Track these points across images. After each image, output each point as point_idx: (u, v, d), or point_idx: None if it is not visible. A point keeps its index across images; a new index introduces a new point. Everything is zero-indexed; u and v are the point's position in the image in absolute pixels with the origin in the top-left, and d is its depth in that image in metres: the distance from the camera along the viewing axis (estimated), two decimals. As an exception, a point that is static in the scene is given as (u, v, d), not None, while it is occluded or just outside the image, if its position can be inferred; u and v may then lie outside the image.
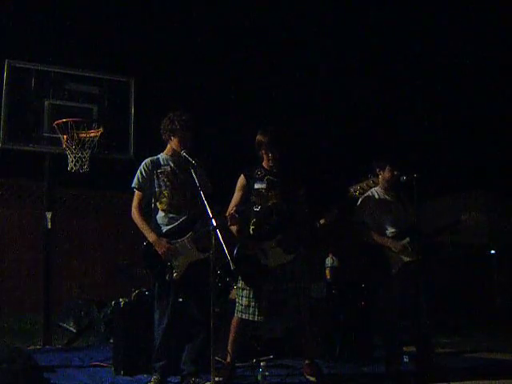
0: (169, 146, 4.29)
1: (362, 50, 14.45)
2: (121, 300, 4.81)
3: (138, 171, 4.21)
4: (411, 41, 14.28)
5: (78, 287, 9.34)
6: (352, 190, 4.38)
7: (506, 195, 12.68)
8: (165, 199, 4.15)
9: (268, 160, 4.55)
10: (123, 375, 4.58)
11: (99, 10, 12.34)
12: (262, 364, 3.94)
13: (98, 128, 6.14)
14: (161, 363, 4.16)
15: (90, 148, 6.07)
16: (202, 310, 4.05)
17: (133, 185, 4.20)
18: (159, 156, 4.29)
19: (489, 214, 12.48)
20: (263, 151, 4.55)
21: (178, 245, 4.10)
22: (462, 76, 14.11)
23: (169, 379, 4.33)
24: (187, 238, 4.11)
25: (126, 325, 4.79)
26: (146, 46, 12.99)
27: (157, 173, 4.19)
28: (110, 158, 6.49)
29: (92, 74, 6.52)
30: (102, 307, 6.93)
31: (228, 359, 4.51)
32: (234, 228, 4.44)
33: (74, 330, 7.09)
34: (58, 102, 6.21)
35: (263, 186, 4.51)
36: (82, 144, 6.02)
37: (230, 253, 3.68)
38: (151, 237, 4.07)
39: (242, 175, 4.62)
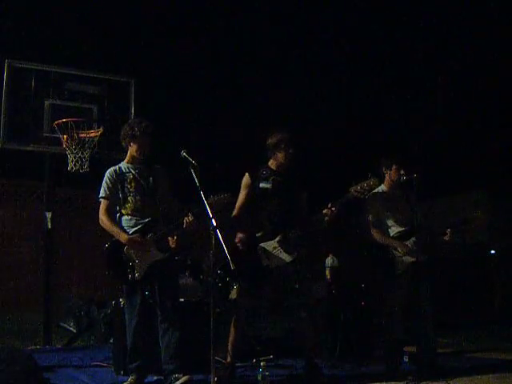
0: (129, 153, 4.42)
1: (366, 50, 14.45)
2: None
3: (104, 182, 4.34)
4: (414, 41, 14.29)
5: (78, 287, 9.34)
6: (353, 190, 4.39)
7: (506, 195, 12.68)
8: (129, 204, 4.29)
9: (285, 158, 4.57)
10: (123, 375, 4.58)
11: (99, 10, 12.33)
12: (262, 364, 3.94)
13: (98, 128, 6.15)
14: (136, 363, 4.24)
15: (89, 148, 6.07)
16: (167, 307, 4.19)
17: (101, 195, 4.33)
18: (120, 165, 4.42)
19: (489, 214, 12.47)
20: (281, 149, 4.56)
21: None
22: (463, 76, 14.11)
23: (152, 379, 4.38)
24: (148, 238, 4.21)
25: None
26: (146, 46, 12.99)
27: (120, 181, 4.32)
28: (110, 158, 6.49)
29: (92, 74, 6.52)
30: (102, 307, 6.92)
31: (228, 359, 4.52)
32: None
33: (74, 330, 7.09)
34: (58, 102, 6.21)
35: (268, 185, 4.53)
36: (82, 144, 6.03)
37: (230, 253, 3.69)
38: (123, 237, 4.18)
39: (246, 174, 4.64)
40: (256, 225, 4.53)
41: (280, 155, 4.59)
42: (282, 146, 4.56)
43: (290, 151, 4.57)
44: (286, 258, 4.43)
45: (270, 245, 4.44)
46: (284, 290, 4.49)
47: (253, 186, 4.57)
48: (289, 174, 4.62)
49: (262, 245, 4.45)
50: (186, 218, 4.14)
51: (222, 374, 4.38)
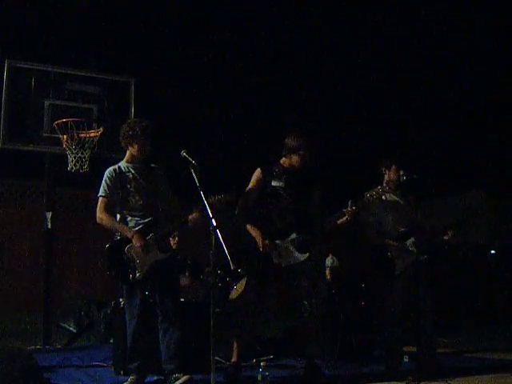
0: (128, 153, 4.40)
1: (368, 54, 14.46)
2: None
3: (104, 180, 4.31)
4: (414, 43, 14.30)
5: (78, 287, 9.34)
6: (368, 195, 4.43)
7: (506, 195, 12.68)
8: (129, 204, 4.27)
9: (299, 163, 4.57)
10: (123, 375, 4.58)
11: (99, 10, 12.33)
12: (261, 364, 3.95)
13: (98, 128, 6.15)
14: (136, 364, 4.23)
15: (89, 148, 6.07)
16: (168, 307, 4.18)
17: (100, 193, 4.29)
18: (120, 164, 4.40)
19: (489, 213, 12.47)
20: (299, 154, 4.56)
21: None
22: (463, 76, 14.11)
23: (152, 379, 4.39)
24: (148, 238, 4.19)
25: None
26: (146, 46, 12.99)
27: (120, 180, 4.30)
28: (110, 158, 6.49)
29: (92, 74, 6.53)
30: (102, 307, 6.93)
31: (234, 359, 4.51)
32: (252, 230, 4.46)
33: (74, 330, 7.09)
34: (58, 102, 6.22)
35: (281, 184, 4.53)
36: (82, 144, 6.03)
37: (230, 253, 3.69)
38: (127, 232, 4.17)
39: (259, 169, 4.62)
40: (267, 222, 4.52)
41: (295, 158, 4.58)
42: (301, 152, 4.56)
43: (307, 158, 4.58)
44: (299, 257, 4.43)
45: (283, 243, 4.44)
46: (293, 289, 4.49)
47: (264, 182, 4.57)
48: (301, 172, 4.63)
49: (275, 242, 4.44)
50: (190, 215, 4.13)
51: (228, 374, 4.39)
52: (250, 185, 4.60)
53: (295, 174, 4.59)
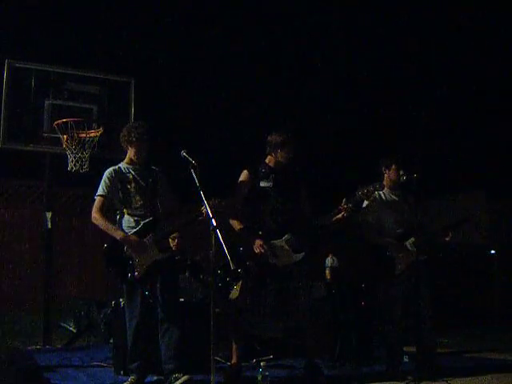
0: (127, 155, 4.47)
1: (366, 51, 14.46)
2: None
3: (103, 180, 4.35)
4: (414, 40, 14.29)
5: (78, 287, 9.35)
6: (360, 193, 4.42)
7: (506, 195, 12.67)
8: (130, 204, 4.31)
9: (285, 159, 4.56)
10: (123, 375, 4.58)
11: (99, 10, 12.33)
12: (262, 364, 3.95)
13: (98, 128, 6.15)
14: (136, 364, 4.25)
15: (90, 148, 6.07)
16: (167, 307, 4.20)
17: (98, 192, 4.31)
18: (120, 165, 4.45)
19: (489, 213, 12.47)
20: (284, 150, 4.54)
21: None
22: (462, 75, 14.11)
23: (152, 379, 4.39)
24: (148, 238, 4.22)
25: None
26: (146, 46, 12.98)
27: (120, 180, 4.34)
28: (110, 158, 6.49)
29: (92, 74, 6.53)
30: (102, 307, 6.92)
31: (234, 360, 4.51)
32: (236, 225, 4.46)
33: (74, 330, 7.09)
34: (58, 102, 6.22)
35: (269, 184, 4.52)
36: (82, 144, 6.03)
37: (230, 253, 3.69)
38: (119, 234, 4.19)
39: (245, 171, 4.60)
40: (258, 223, 4.51)
41: (281, 154, 4.57)
42: (286, 148, 4.56)
43: (292, 153, 4.57)
44: (295, 257, 4.43)
45: (278, 243, 4.43)
46: (289, 289, 4.49)
47: (252, 183, 4.55)
48: (288, 171, 4.62)
49: (270, 242, 4.43)
50: (201, 209, 4.06)
51: (229, 375, 4.39)
52: (241, 188, 4.57)
53: (282, 173, 4.58)
